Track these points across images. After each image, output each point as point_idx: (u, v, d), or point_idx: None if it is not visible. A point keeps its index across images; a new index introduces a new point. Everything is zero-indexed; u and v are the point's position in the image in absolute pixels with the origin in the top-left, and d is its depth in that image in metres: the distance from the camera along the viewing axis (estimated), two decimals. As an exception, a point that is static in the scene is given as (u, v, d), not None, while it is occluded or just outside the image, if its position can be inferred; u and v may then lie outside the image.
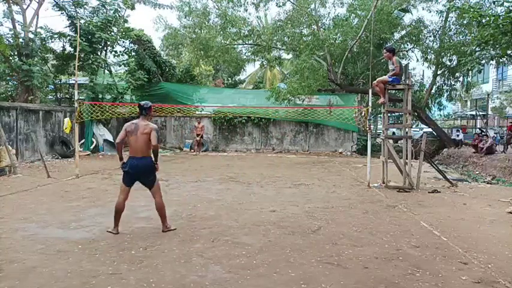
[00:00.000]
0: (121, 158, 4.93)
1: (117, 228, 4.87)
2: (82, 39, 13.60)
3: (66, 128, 10.92)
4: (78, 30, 11.28)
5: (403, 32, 17.29)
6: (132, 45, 18.45)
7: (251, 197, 7.46)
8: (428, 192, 8.14)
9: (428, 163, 10.61)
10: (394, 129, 17.81)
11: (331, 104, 17.74)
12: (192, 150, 17.52)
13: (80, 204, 6.54)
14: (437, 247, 4.50)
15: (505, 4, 9.41)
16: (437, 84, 17.59)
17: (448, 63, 16.46)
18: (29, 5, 14.68)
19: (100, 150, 15.64)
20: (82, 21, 14.33)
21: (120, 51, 17.08)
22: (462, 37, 15.28)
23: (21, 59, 13.49)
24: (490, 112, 27.57)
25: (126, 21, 16.84)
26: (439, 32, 15.90)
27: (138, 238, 4.69)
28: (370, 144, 9.20)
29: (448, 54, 15.94)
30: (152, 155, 4.82)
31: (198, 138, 17.10)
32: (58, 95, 16.96)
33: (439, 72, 16.70)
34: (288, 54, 20.55)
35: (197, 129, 16.93)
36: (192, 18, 18.27)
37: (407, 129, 8.75)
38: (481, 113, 27.22)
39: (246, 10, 18.35)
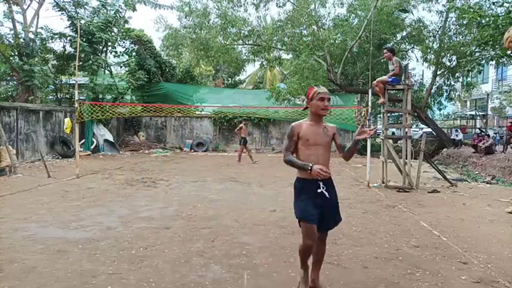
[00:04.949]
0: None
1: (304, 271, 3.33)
2: (82, 40, 13.62)
3: (66, 128, 10.92)
4: (79, 31, 11.29)
5: (404, 33, 17.29)
6: (132, 45, 18.47)
7: (251, 196, 7.46)
8: (428, 192, 8.14)
9: (428, 163, 10.61)
10: (393, 129, 17.82)
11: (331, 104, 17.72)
12: (238, 155, 13.91)
13: (80, 204, 6.54)
14: (437, 247, 4.51)
15: (505, 5, 9.42)
16: (437, 84, 17.58)
17: (448, 63, 16.46)
18: (29, 5, 14.70)
19: (100, 150, 15.66)
20: (82, 21, 14.34)
21: (120, 52, 17.10)
22: (462, 37, 15.28)
23: (22, 59, 13.50)
24: (489, 112, 27.57)
25: (126, 21, 16.87)
26: (439, 32, 15.89)
27: (138, 238, 4.69)
28: (370, 144, 9.21)
29: (448, 55, 15.95)
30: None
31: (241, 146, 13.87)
32: (58, 95, 16.97)
33: (438, 72, 16.69)
34: (288, 54, 20.54)
35: (241, 130, 13.71)
36: (192, 19, 18.27)
37: (406, 129, 8.76)
38: (480, 113, 27.22)
39: (246, 10, 18.40)
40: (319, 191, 3.09)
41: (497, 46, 9.53)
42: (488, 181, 10.33)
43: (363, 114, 9.94)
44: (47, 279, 3.44)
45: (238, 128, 14.07)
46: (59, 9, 14.84)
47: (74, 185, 8.36)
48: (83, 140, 15.11)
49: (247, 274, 3.64)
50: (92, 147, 15.28)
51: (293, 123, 3.22)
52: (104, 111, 13.36)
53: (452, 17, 15.24)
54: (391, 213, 6.25)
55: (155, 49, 20.12)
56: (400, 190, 8.23)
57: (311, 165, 2.99)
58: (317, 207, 3.04)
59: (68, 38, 15.17)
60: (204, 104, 19.44)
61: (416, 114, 16.71)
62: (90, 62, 14.66)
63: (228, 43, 18.73)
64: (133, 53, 18.32)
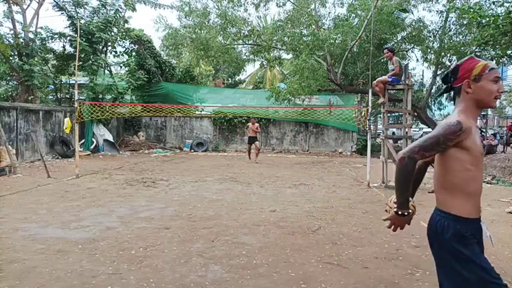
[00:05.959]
0: None
1: None
2: (82, 40, 13.62)
3: (66, 128, 10.92)
4: (79, 31, 11.28)
5: (404, 33, 17.30)
6: (132, 45, 18.48)
7: (251, 196, 7.46)
8: (428, 192, 8.12)
9: (428, 163, 10.58)
10: (394, 129, 17.81)
11: (331, 104, 17.75)
12: (248, 156, 14.54)
13: (80, 204, 6.54)
14: (437, 247, 4.50)
15: (505, 4, 9.42)
16: (437, 84, 17.59)
17: (448, 63, 16.48)
18: (29, 5, 14.70)
19: (100, 150, 15.66)
20: (82, 21, 14.34)
21: (120, 52, 17.11)
22: (462, 37, 15.28)
23: (22, 59, 13.51)
24: (489, 112, 27.58)
25: (126, 21, 16.88)
26: (439, 32, 15.90)
27: (138, 238, 4.69)
28: (370, 144, 9.21)
29: (448, 55, 15.95)
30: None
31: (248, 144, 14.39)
32: (58, 95, 16.98)
33: (439, 72, 16.70)
34: (288, 54, 20.55)
35: (251, 130, 13.99)
36: (192, 18, 18.27)
37: (407, 129, 8.75)
38: (480, 113, 27.22)
39: (246, 10, 18.39)
40: (487, 235, 1.92)
41: (497, 46, 9.53)
42: (488, 181, 10.32)
43: (363, 114, 9.94)
44: (47, 279, 3.43)
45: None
46: (58, 9, 14.85)
47: (73, 185, 8.35)
48: (83, 140, 15.12)
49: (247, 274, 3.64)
50: (92, 147, 15.28)
51: (459, 119, 1.83)
52: (104, 111, 13.36)
53: (452, 17, 15.25)
54: (391, 213, 6.23)
55: (155, 49, 20.12)
56: (400, 190, 8.21)
57: (411, 210, 1.78)
58: None
59: (68, 38, 15.18)
60: (204, 104, 19.45)
61: (416, 114, 16.71)
62: (90, 62, 14.67)
63: (228, 43, 18.73)
64: (133, 53, 18.33)
